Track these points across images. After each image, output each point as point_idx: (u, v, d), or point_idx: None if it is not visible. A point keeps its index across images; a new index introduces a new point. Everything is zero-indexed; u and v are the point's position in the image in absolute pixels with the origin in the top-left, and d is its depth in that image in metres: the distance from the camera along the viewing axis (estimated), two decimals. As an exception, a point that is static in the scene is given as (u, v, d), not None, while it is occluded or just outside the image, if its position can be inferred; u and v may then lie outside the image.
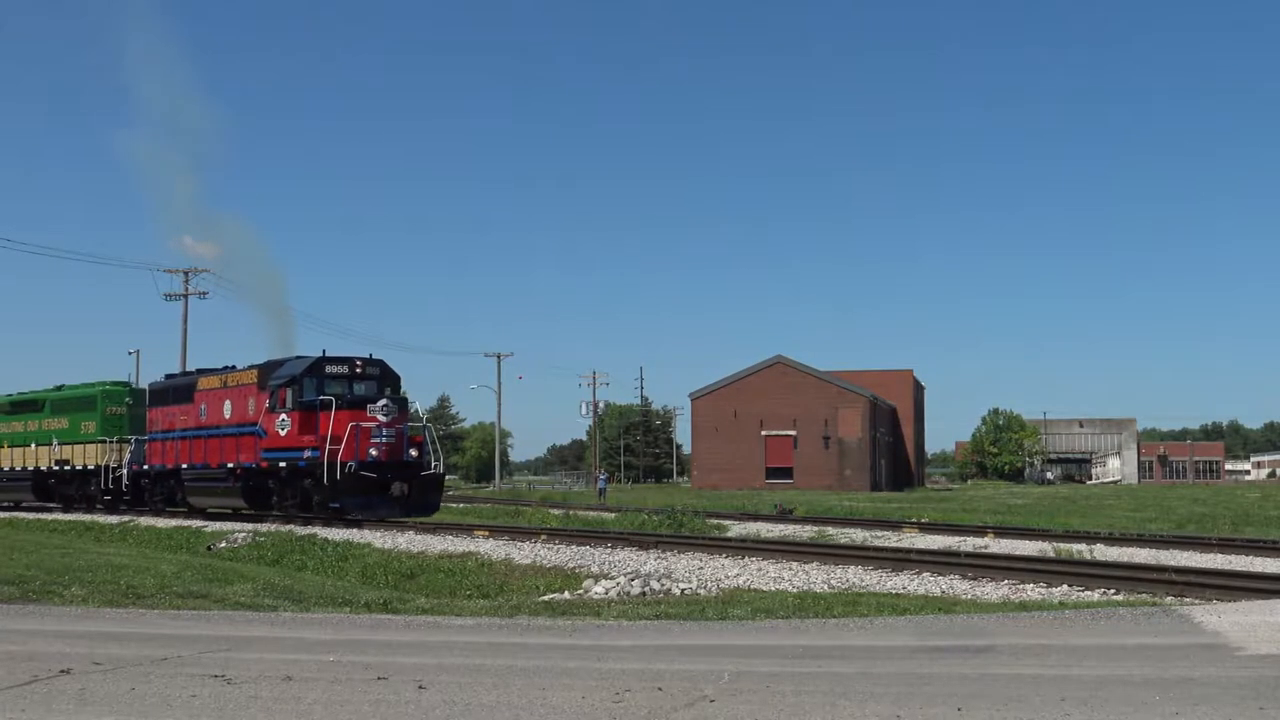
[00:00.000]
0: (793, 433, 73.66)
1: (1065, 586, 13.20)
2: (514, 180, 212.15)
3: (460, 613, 11.67)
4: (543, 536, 21.60)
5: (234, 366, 31.80)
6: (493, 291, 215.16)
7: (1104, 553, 18.59)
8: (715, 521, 29.41)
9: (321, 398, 27.32)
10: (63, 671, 7.61)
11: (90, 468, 36.49)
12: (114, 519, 33.34)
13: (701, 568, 15.99)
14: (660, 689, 6.96)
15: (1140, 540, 21.61)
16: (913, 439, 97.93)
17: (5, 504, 40.79)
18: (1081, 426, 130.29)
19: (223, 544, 24.43)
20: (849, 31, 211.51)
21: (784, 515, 33.01)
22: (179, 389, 33.58)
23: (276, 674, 7.57)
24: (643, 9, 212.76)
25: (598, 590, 13.93)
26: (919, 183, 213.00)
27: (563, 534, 22.16)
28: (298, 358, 29.30)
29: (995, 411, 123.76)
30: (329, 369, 28.19)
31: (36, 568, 15.93)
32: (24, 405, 41.29)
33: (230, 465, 30.08)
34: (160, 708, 6.62)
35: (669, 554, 18.04)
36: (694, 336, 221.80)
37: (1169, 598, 11.90)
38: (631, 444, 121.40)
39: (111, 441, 36.09)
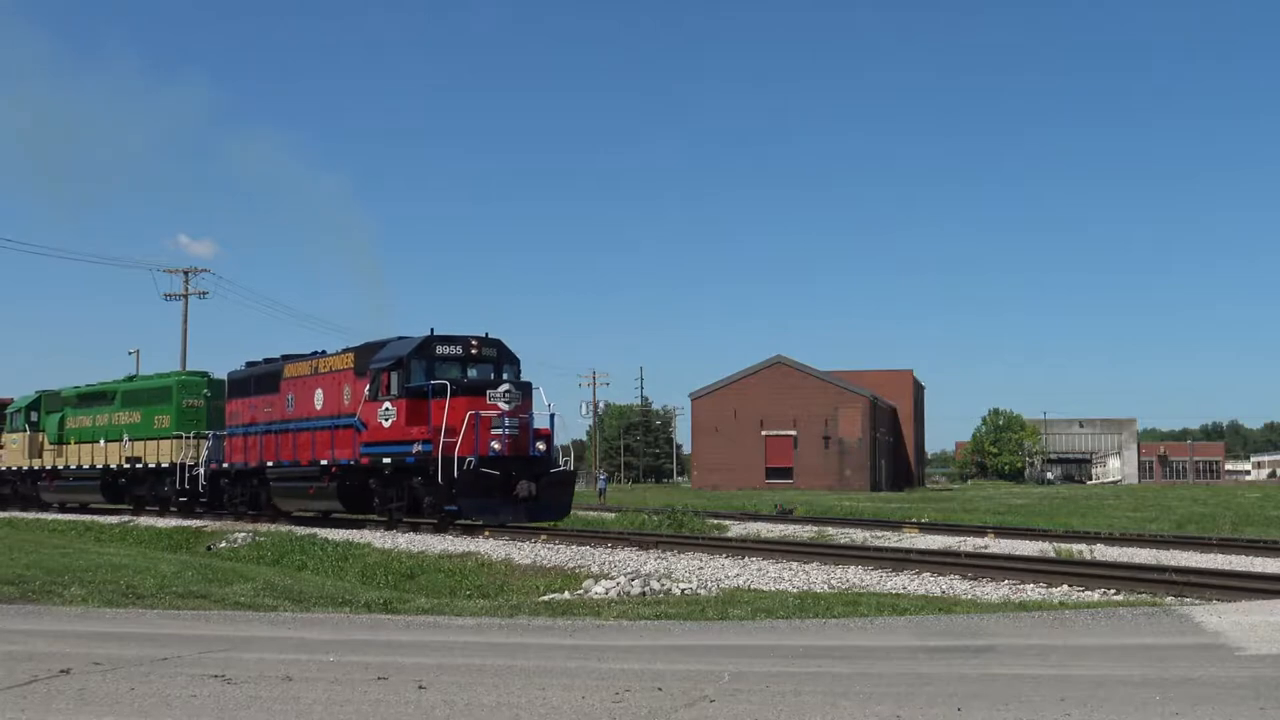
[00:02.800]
0: (793, 433, 73.67)
1: (1065, 586, 13.20)
2: (513, 177, 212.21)
3: (460, 613, 11.67)
4: (543, 536, 21.59)
5: (324, 351, 28.34)
6: (492, 291, 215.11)
7: (1104, 553, 18.59)
8: (715, 521, 29.40)
9: (433, 383, 23.67)
10: (62, 671, 7.61)
11: (164, 466, 33.36)
12: (113, 519, 33.24)
13: (701, 568, 15.99)
14: (660, 689, 6.95)
15: (1140, 540, 21.61)
16: (913, 439, 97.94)
17: (72, 506, 37.80)
18: (1081, 426, 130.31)
19: (223, 544, 24.44)
20: (849, 31, 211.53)
21: (784, 515, 33.01)
22: (262, 378, 30.00)
23: (276, 674, 7.56)
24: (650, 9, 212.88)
25: (598, 590, 13.93)
26: (919, 183, 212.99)
27: (563, 534, 22.15)
28: (400, 338, 25.52)
29: (995, 411, 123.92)
30: (440, 349, 24.48)
31: (36, 568, 15.92)
32: (93, 398, 37.85)
33: (323, 463, 26.52)
34: (160, 708, 6.61)
35: (669, 554, 18.04)
36: (694, 336, 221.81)
37: (1169, 598, 11.90)
38: (631, 444, 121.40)
39: (188, 437, 32.97)
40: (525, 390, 24.26)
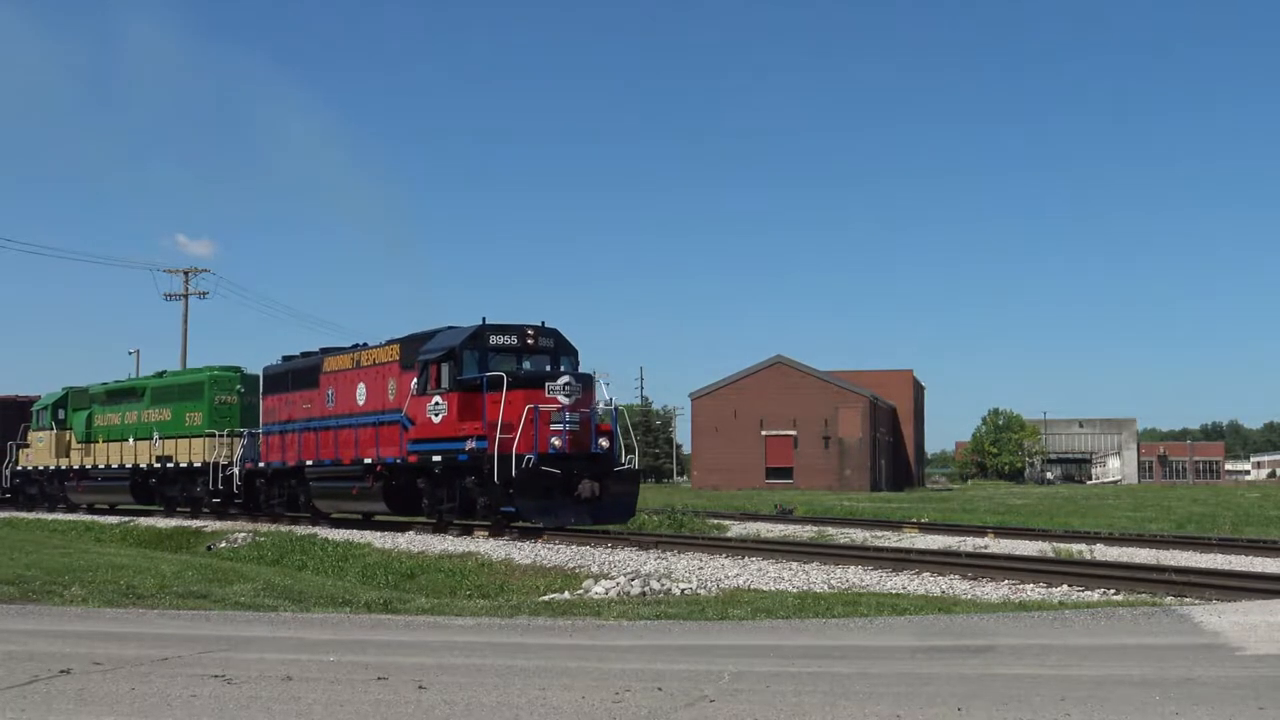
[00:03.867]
0: (793, 433, 73.65)
1: (1065, 586, 13.20)
2: (512, 182, 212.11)
3: (460, 613, 11.67)
4: (543, 536, 21.59)
5: (365, 344, 26.61)
6: (491, 292, 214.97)
7: (1104, 553, 18.58)
8: (715, 521, 29.37)
9: (488, 374, 22.10)
10: (63, 671, 7.61)
11: (196, 465, 32.06)
12: (113, 519, 33.19)
13: (701, 568, 15.99)
14: (660, 689, 6.95)
15: (1140, 540, 21.59)
16: (913, 439, 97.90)
17: (100, 507, 36.74)
18: (1081, 426, 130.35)
19: (223, 544, 24.44)
20: (848, 31, 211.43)
21: (784, 515, 32.99)
22: (300, 372, 28.55)
23: (276, 674, 7.57)
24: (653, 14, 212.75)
25: (598, 590, 13.93)
26: (919, 183, 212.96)
27: (563, 534, 22.13)
28: (449, 328, 24.01)
29: (995, 411, 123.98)
30: (493, 339, 23.02)
31: (36, 568, 15.93)
32: (122, 394, 36.67)
33: (367, 461, 25.05)
34: (160, 708, 6.61)
35: (669, 554, 18.04)
36: (694, 336, 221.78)
37: (1169, 598, 11.90)
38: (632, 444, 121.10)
39: (221, 435, 31.69)
40: (586, 382, 22.65)
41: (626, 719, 6.27)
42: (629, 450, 23.26)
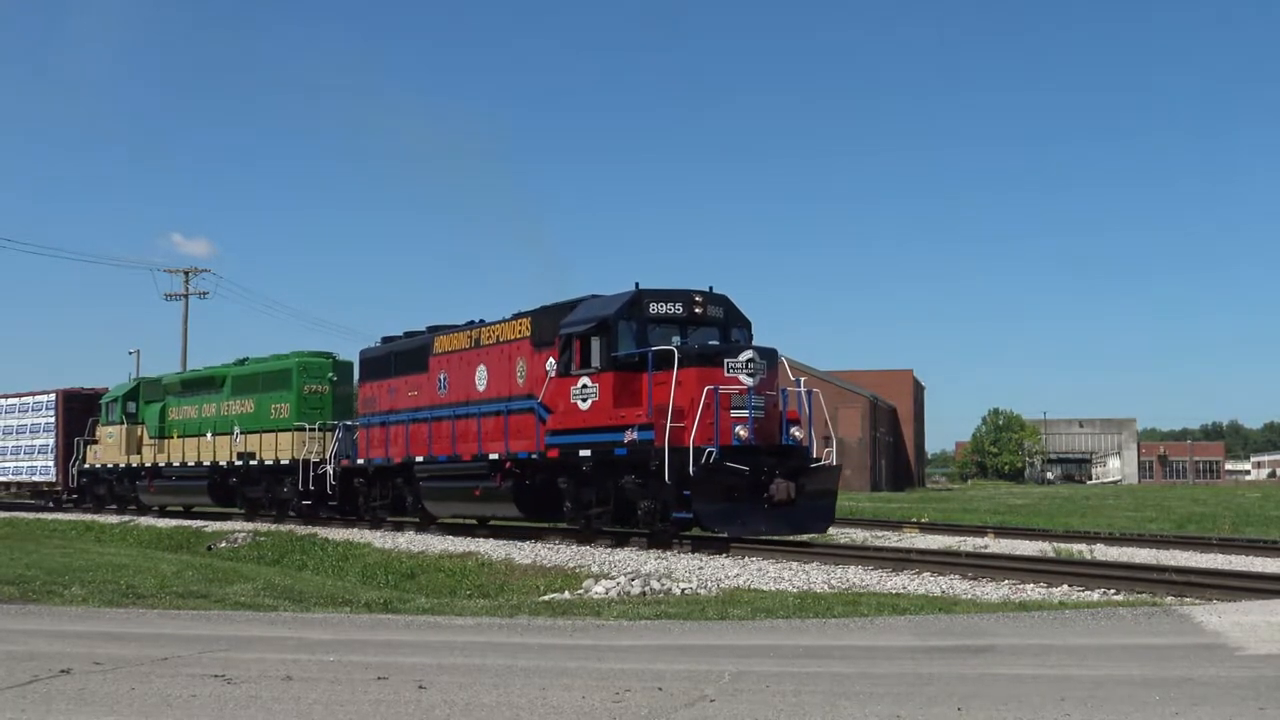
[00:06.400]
0: (793, 433, 73.46)
1: (1065, 586, 13.19)
2: (508, 177, 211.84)
3: (460, 613, 11.67)
4: (543, 536, 21.58)
5: (481, 321, 23.04)
6: (489, 291, 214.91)
7: (1104, 553, 18.57)
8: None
9: (654, 350, 18.40)
10: (63, 671, 7.61)
11: (283, 463, 28.39)
12: (114, 519, 33.06)
13: (701, 568, 15.99)
14: (660, 689, 6.96)
15: (1140, 540, 21.58)
16: (913, 439, 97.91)
17: (174, 508, 33.45)
18: (1081, 426, 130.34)
19: (223, 544, 24.45)
20: (847, 32, 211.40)
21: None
22: (405, 355, 25.09)
23: (276, 674, 7.57)
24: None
25: (598, 590, 13.93)
26: (919, 183, 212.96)
27: (562, 534, 22.13)
28: (593, 296, 20.29)
29: (995, 411, 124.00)
30: (653, 308, 19.16)
31: (36, 568, 15.94)
32: (199, 384, 33.19)
33: (493, 457, 21.44)
34: (160, 708, 6.62)
35: (669, 554, 18.01)
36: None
37: (1169, 598, 11.89)
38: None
39: (311, 429, 28.01)
40: (770, 359, 18.71)
41: (627, 719, 6.27)
42: (825, 442, 19.57)
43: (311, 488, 27.34)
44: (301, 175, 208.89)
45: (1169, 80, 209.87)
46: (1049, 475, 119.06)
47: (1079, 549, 18.66)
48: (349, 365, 29.33)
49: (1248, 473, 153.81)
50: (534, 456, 20.52)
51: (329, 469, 27.12)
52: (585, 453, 19.31)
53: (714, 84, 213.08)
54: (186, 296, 56.62)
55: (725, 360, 18.05)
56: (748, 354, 18.20)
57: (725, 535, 17.99)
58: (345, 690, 7.04)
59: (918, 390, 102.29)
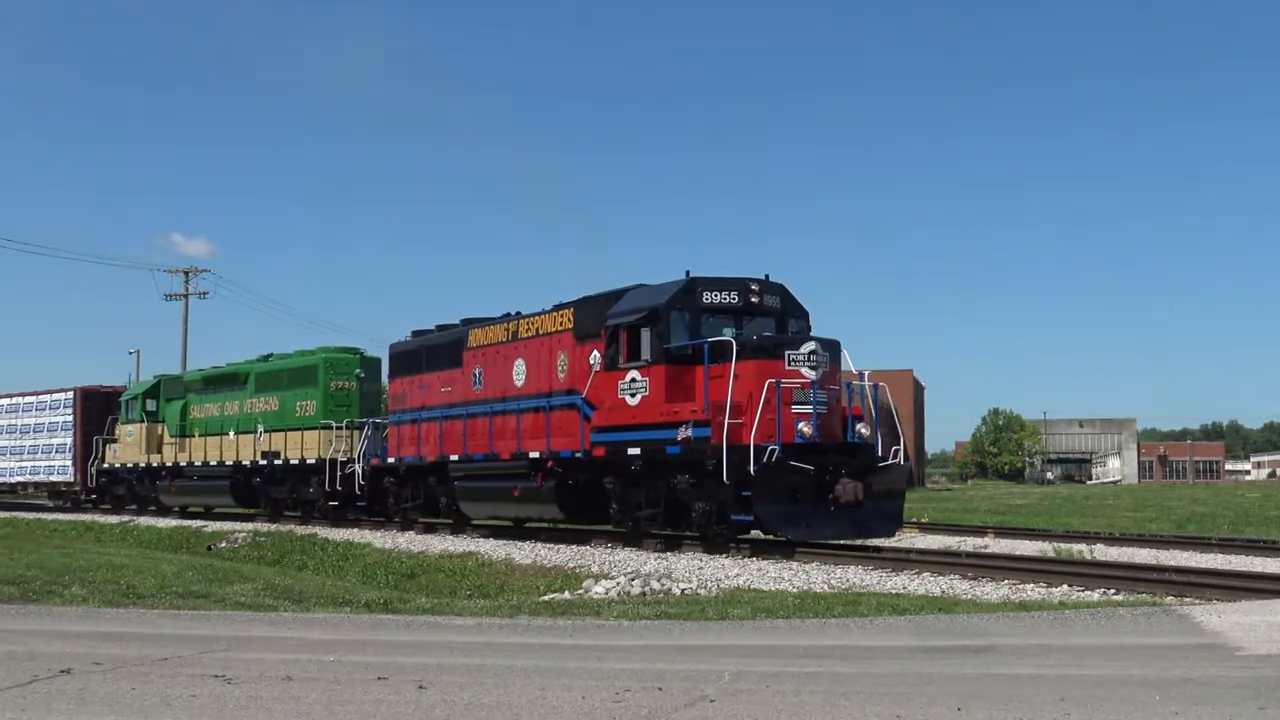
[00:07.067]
0: (793, 433, 73.34)
1: (1065, 586, 13.19)
2: (509, 180, 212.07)
3: (460, 613, 11.67)
4: (543, 536, 21.58)
5: (518, 313, 22.12)
6: (488, 292, 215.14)
7: (1104, 553, 18.58)
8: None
9: (710, 341, 17.48)
10: (63, 671, 7.61)
11: (310, 462, 27.59)
12: (114, 519, 33.02)
13: (701, 568, 15.99)
14: (660, 689, 6.96)
15: (1140, 540, 21.59)
16: (913, 439, 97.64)
17: (196, 509, 32.88)
18: (1081, 426, 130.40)
19: (223, 544, 24.46)
20: (847, 32, 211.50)
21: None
22: (437, 349, 24.17)
23: (277, 674, 7.57)
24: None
25: (598, 590, 13.93)
26: (919, 183, 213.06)
27: (563, 534, 22.14)
28: (639, 286, 19.35)
29: (995, 411, 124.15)
30: (706, 297, 18.17)
31: (36, 568, 15.95)
32: (221, 381, 32.47)
33: (533, 456, 20.55)
34: (160, 708, 6.62)
35: (669, 554, 18.02)
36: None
37: (1169, 598, 11.89)
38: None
39: (338, 427, 27.22)
40: (832, 351, 17.68)
41: (627, 719, 6.27)
42: (893, 438, 18.26)
43: (339, 488, 26.64)
44: (302, 175, 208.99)
45: (1169, 80, 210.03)
46: (1049, 475, 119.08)
47: (1079, 549, 18.66)
48: (377, 361, 28.69)
49: (1248, 473, 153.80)
50: (578, 455, 19.61)
51: (357, 468, 26.26)
52: (634, 451, 18.34)
53: (691, 74, 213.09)
54: (186, 296, 56.70)
55: (786, 352, 17.16)
56: (810, 345, 17.32)
57: (788, 539, 17.06)
58: (345, 690, 7.04)
59: (918, 390, 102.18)
